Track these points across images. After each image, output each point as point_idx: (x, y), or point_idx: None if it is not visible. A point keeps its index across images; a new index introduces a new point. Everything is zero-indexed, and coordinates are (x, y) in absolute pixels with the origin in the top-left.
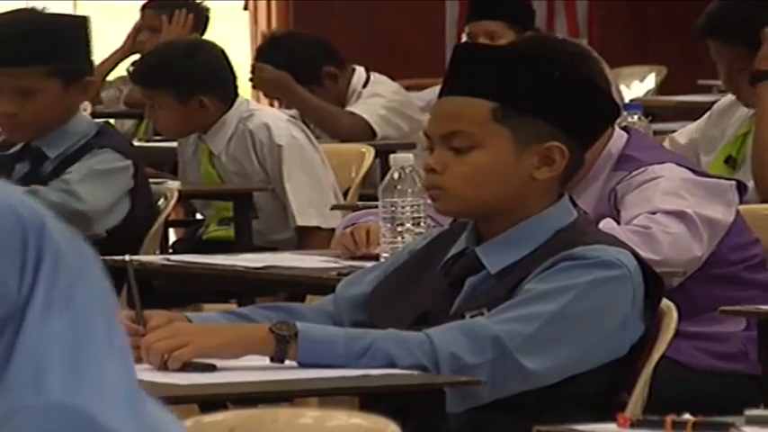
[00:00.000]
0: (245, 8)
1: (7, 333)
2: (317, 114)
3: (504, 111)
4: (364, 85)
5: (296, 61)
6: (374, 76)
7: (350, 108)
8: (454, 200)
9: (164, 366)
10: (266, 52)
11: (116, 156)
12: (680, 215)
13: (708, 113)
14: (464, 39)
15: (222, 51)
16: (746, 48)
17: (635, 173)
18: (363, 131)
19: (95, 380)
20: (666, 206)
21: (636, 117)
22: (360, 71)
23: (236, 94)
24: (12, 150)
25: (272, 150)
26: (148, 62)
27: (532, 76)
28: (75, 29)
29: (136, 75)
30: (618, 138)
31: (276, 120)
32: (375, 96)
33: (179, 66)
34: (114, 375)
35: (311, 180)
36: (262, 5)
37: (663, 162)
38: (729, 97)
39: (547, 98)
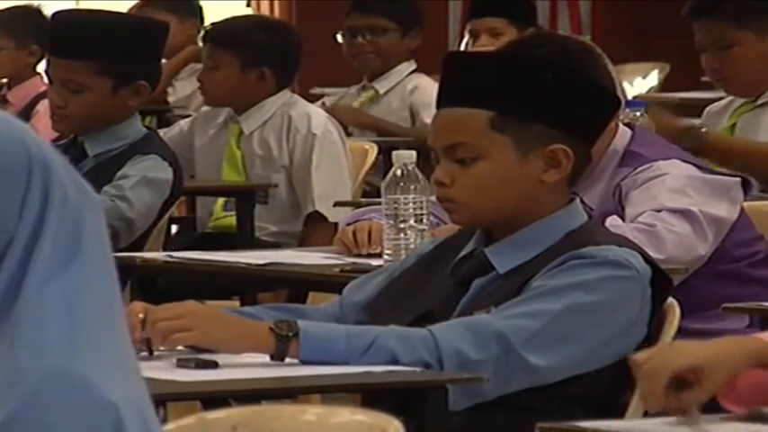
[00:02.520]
0: (248, 5)
1: (6, 268)
2: (391, 134)
3: (502, 119)
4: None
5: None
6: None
7: (426, 111)
8: (467, 211)
9: (165, 344)
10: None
11: (164, 164)
12: (685, 213)
13: (704, 114)
14: (466, 36)
15: (299, 40)
16: (734, 26)
17: (640, 169)
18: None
19: (94, 345)
20: (672, 204)
21: (638, 114)
22: (411, 61)
23: (289, 84)
24: (62, 141)
25: (305, 139)
26: (227, 23)
27: (525, 80)
28: (139, 31)
29: (211, 32)
30: (622, 134)
31: (317, 113)
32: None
33: (254, 34)
34: (111, 340)
35: (335, 176)
36: (264, 4)
37: (668, 158)
38: (722, 101)
39: (542, 101)
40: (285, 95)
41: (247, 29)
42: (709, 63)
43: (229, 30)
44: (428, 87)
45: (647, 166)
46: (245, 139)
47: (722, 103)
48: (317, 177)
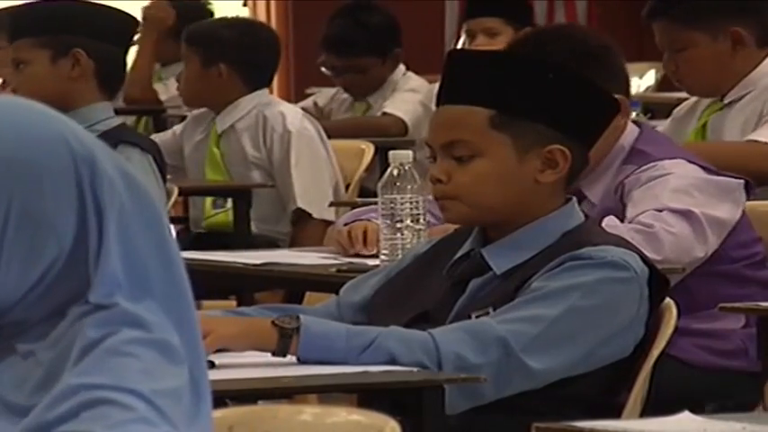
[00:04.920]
0: (245, 5)
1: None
2: (362, 132)
3: (502, 117)
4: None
5: (373, 31)
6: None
7: (389, 101)
8: (462, 209)
9: None
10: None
11: (148, 158)
12: (686, 214)
13: (670, 119)
14: (462, 36)
15: (275, 40)
16: (686, 27)
17: (644, 167)
18: (400, 130)
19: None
20: (674, 204)
21: (634, 114)
22: (401, 68)
23: (265, 85)
24: None
25: (282, 137)
26: (198, 23)
27: (527, 80)
28: (68, 7)
29: (184, 32)
30: (630, 131)
31: (292, 111)
32: (411, 92)
33: (214, 31)
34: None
35: (314, 172)
36: (261, 4)
37: (673, 158)
38: (689, 102)
39: (543, 101)
40: (262, 96)
41: (211, 27)
42: (667, 65)
43: (195, 28)
44: (413, 76)
45: (652, 165)
46: (222, 139)
47: (687, 105)
48: (297, 174)
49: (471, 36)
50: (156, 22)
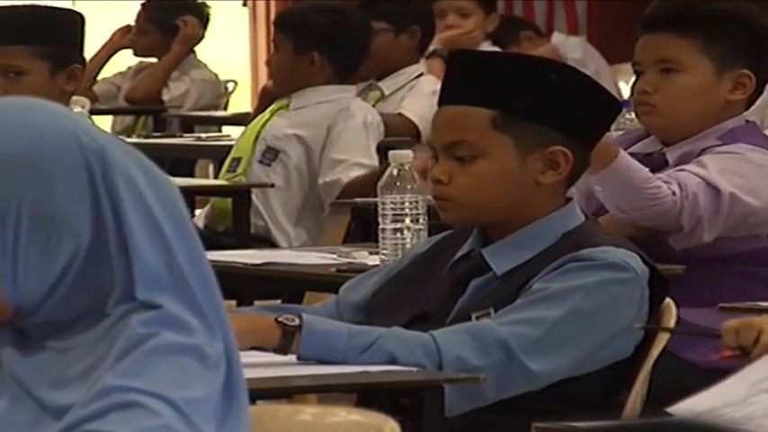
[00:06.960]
0: (245, 4)
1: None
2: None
3: (505, 118)
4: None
5: (397, 2)
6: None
7: (407, 101)
8: (461, 210)
9: None
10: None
11: None
12: (713, 191)
13: None
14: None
15: (367, 26)
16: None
17: (726, 146)
18: (411, 132)
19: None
20: (713, 179)
21: (626, 114)
22: (421, 64)
23: (351, 78)
24: None
25: (355, 128)
26: (291, 10)
27: (530, 81)
28: (66, 18)
29: (276, 18)
30: (739, 118)
31: (374, 112)
32: (431, 95)
33: (308, 17)
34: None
35: (362, 166)
36: (261, 4)
37: (756, 145)
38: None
39: (546, 103)
40: (349, 90)
41: (304, 13)
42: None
43: (288, 14)
44: (434, 80)
45: (734, 145)
46: (285, 108)
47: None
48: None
49: (442, 16)
50: (191, 40)
